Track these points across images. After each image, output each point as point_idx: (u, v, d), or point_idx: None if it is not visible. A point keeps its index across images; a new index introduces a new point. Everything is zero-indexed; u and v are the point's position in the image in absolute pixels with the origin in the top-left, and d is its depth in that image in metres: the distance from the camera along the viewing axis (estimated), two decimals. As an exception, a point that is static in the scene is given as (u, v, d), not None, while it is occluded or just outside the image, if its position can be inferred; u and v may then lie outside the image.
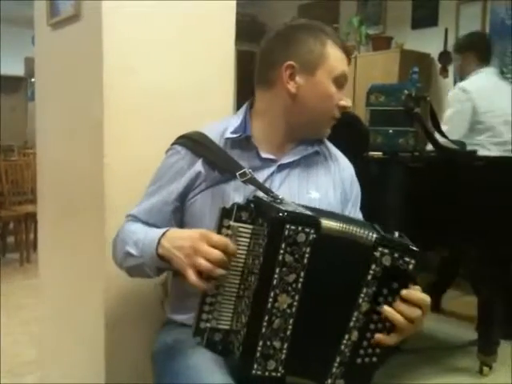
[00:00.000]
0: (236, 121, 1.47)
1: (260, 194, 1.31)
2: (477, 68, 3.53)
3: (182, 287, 1.42)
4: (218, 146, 1.43)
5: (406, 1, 5.57)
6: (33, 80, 2.38)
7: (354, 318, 1.17)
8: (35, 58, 2.29)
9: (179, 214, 1.44)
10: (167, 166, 1.46)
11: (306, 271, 1.12)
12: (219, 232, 1.16)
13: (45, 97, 2.23)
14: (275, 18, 6.61)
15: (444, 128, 2.96)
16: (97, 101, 1.73)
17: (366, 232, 1.16)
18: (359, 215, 1.53)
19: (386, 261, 1.15)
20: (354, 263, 1.16)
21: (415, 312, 1.16)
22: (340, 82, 1.42)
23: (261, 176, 1.40)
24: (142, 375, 1.71)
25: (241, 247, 1.17)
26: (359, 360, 1.19)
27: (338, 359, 1.19)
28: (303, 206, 1.22)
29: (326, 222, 1.14)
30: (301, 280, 1.13)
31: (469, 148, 3.05)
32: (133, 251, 1.36)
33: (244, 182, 1.35)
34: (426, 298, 1.18)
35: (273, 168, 1.44)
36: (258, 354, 1.14)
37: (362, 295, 1.16)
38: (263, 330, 1.13)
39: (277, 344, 1.15)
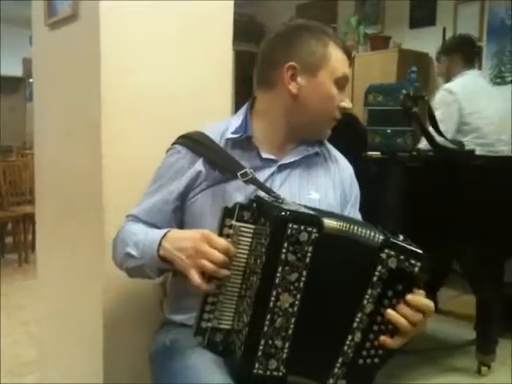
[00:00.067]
0: (236, 121, 1.47)
1: (261, 193, 1.31)
2: (462, 70, 3.60)
3: (182, 287, 1.42)
4: (218, 145, 1.44)
5: (403, 0, 5.57)
6: (31, 80, 2.38)
7: (357, 319, 1.18)
8: (33, 59, 2.28)
9: (179, 214, 1.44)
10: (168, 166, 1.46)
11: (308, 270, 1.13)
12: (221, 231, 1.17)
13: (43, 97, 2.23)
14: (273, 18, 6.61)
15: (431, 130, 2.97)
16: (94, 101, 1.73)
17: (372, 233, 1.17)
18: (358, 216, 1.54)
19: (392, 263, 1.16)
20: (358, 264, 1.16)
21: (418, 316, 1.17)
22: (341, 83, 1.43)
23: (261, 176, 1.40)
24: (140, 375, 1.70)
25: (242, 247, 1.17)
26: (361, 361, 1.19)
27: (340, 360, 1.19)
28: (305, 206, 1.22)
29: (329, 222, 1.14)
30: (303, 279, 1.13)
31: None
32: (133, 252, 1.36)
33: (245, 181, 1.36)
34: (430, 304, 1.19)
35: (273, 168, 1.44)
36: (260, 353, 1.14)
37: (367, 296, 1.17)
38: (265, 328, 1.14)
39: (278, 343, 1.15)
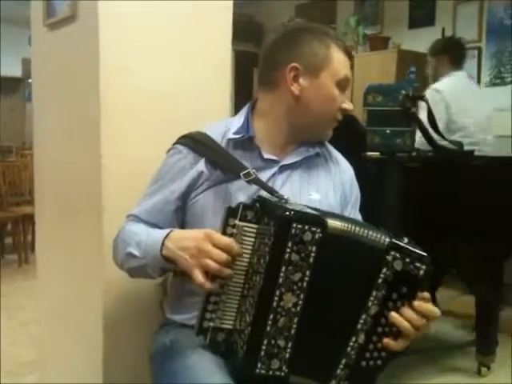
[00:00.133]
0: (238, 121, 1.47)
1: (263, 193, 1.32)
2: (449, 71, 3.70)
3: (182, 287, 1.43)
4: (220, 146, 1.44)
5: (403, 1, 5.57)
6: (30, 81, 2.38)
7: (361, 321, 1.18)
8: (32, 59, 2.28)
9: (181, 214, 1.44)
10: (169, 166, 1.46)
11: (312, 270, 1.13)
12: (224, 231, 1.17)
13: (42, 97, 2.23)
14: (272, 18, 6.60)
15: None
16: (94, 101, 1.73)
17: (377, 235, 1.17)
18: (358, 217, 1.54)
19: (398, 265, 1.16)
20: (362, 264, 1.17)
21: (422, 321, 1.17)
22: (343, 85, 1.44)
23: (263, 176, 1.40)
24: (139, 376, 1.70)
25: (246, 246, 1.17)
26: (364, 363, 1.19)
27: (343, 361, 1.19)
28: (308, 207, 1.23)
29: (332, 222, 1.14)
30: (306, 279, 1.13)
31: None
32: (135, 252, 1.36)
33: (248, 181, 1.36)
34: (435, 311, 1.19)
35: (275, 169, 1.44)
36: (263, 353, 1.14)
37: (372, 298, 1.17)
38: (268, 328, 1.14)
39: (281, 343, 1.15)
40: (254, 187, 1.37)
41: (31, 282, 2.58)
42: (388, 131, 2.58)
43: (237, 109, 1.54)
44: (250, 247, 1.18)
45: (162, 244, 1.28)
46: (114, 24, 1.71)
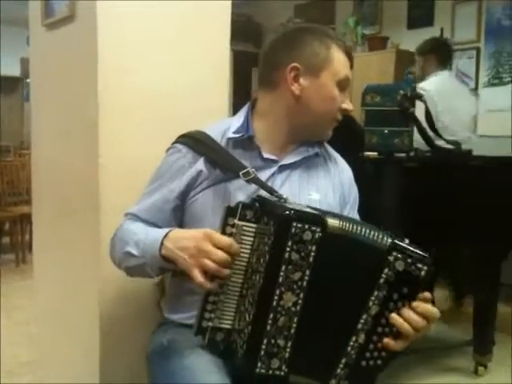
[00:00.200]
0: (238, 121, 1.47)
1: (263, 193, 1.32)
2: (436, 70, 3.79)
3: (181, 286, 1.42)
4: (219, 145, 1.44)
5: (401, 1, 5.57)
6: (28, 80, 2.38)
7: (362, 321, 1.18)
8: (30, 59, 2.28)
9: (180, 213, 1.44)
10: (168, 165, 1.46)
11: (312, 269, 1.13)
12: (223, 230, 1.17)
13: (40, 97, 2.23)
14: (271, 19, 6.61)
15: None
16: (92, 101, 1.73)
17: (379, 235, 1.18)
18: (357, 218, 1.54)
19: (400, 266, 1.16)
20: (362, 264, 1.17)
21: (422, 323, 1.17)
22: (343, 85, 1.44)
23: (262, 176, 1.41)
24: (136, 376, 1.70)
25: (245, 246, 1.18)
26: (364, 362, 1.20)
27: (343, 360, 1.19)
28: (308, 206, 1.23)
29: (332, 221, 1.15)
30: (306, 278, 1.13)
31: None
32: (134, 251, 1.35)
33: (247, 181, 1.36)
34: (435, 312, 1.19)
35: (274, 168, 1.44)
36: (262, 352, 1.14)
37: (373, 298, 1.17)
38: (268, 327, 1.14)
39: (281, 342, 1.15)
40: (254, 187, 1.37)
41: (28, 281, 2.58)
42: (386, 131, 2.59)
43: (235, 109, 1.55)
44: (249, 247, 1.18)
45: (161, 244, 1.28)
46: (112, 24, 1.71)
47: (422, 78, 3.83)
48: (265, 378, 1.16)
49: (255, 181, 1.36)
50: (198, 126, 1.50)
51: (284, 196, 1.29)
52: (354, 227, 1.17)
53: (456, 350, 3.29)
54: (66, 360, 2.10)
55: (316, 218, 1.14)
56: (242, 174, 1.36)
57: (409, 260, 1.16)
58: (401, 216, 2.41)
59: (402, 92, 2.57)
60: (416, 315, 1.17)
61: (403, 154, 2.62)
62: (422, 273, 1.16)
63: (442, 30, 5.13)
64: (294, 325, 1.15)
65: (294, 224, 1.10)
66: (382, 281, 1.17)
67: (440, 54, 3.86)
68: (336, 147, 1.59)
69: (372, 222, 1.25)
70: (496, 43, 4.83)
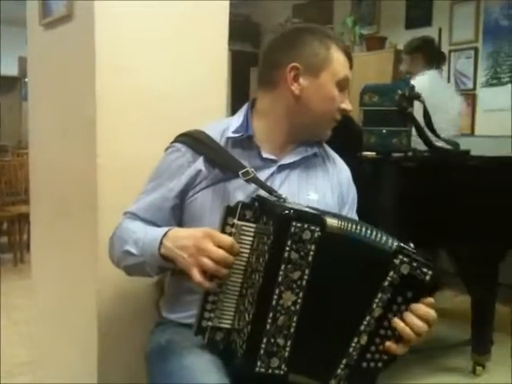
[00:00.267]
0: (237, 120, 1.47)
1: (262, 193, 1.32)
2: (423, 69, 3.83)
3: (181, 285, 1.42)
4: (219, 144, 1.44)
5: (399, 1, 5.57)
6: (26, 80, 2.37)
7: (365, 322, 1.18)
8: (28, 58, 2.28)
9: (179, 212, 1.44)
10: (167, 163, 1.46)
11: (311, 269, 1.13)
12: (223, 230, 1.17)
13: (37, 96, 2.23)
14: (269, 18, 6.61)
15: None
16: (90, 100, 1.73)
17: (383, 237, 1.18)
18: (355, 218, 1.54)
19: (405, 269, 1.17)
20: (365, 265, 1.17)
21: (423, 327, 1.18)
22: (342, 85, 1.44)
23: (262, 176, 1.40)
24: (135, 376, 1.70)
25: (244, 245, 1.18)
26: (365, 364, 1.20)
27: (344, 361, 1.19)
28: (307, 206, 1.23)
29: (331, 221, 1.15)
30: (305, 277, 1.14)
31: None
32: (133, 250, 1.35)
33: (247, 180, 1.36)
34: (431, 312, 1.20)
35: (273, 168, 1.44)
36: (262, 352, 1.14)
37: (377, 300, 1.17)
38: (267, 326, 1.14)
39: (280, 341, 1.15)
40: (253, 186, 1.37)
41: (26, 281, 2.57)
42: (384, 131, 2.59)
43: (233, 108, 1.54)
44: (248, 246, 1.18)
45: (160, 243, 1.28)
46: (110, 23, 1.71)
47: (409, 77, 3.85)
48: (264, 377, 1.16)
49: (254, 180, 1.36)
50: (195, 126, 1.49)
51: (283, 196, 1.29)
52: (354, 227, 1.17)
53: (454, 349, 3.29)
54: (63, 360, 2.09)
55: (315, 218, 1.14)
56: (242, 173, 1.36)
57: (414, 264, 1.17)
58: (399, 216, 2.41)
59: (399, 92, 2.57)
60: (418, 320, 1.18)
61: (401, 154, 2.62)
62: (427, 277, 1.17)
63: (440, 30, 5.14)
64: (294, 324, 1.15)
65: (294, 223, 1.11)
66: (386, 283, 1.17)
67: (427, 53, 3.89)
68: (334, 147, 1.59)
69: (370, 221, 1.25)
70: (494, 43, 4.83)
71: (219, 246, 1.15)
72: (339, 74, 1.43)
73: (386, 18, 5.79)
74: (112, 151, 1.74)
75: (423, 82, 3.66)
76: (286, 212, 1.12)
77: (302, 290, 1.14)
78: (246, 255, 1.18)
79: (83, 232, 1.86)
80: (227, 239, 1.16)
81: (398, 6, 5.59)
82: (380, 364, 1.20)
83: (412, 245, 1.21)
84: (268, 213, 1.17)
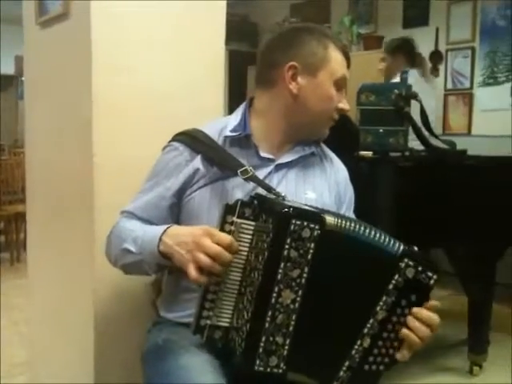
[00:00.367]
0: (235, 119, 1.47)
1: (260, 191, 1.32)
2: (404, 69, 3.84)
3: (178, 284, 1.42)
4: (216, 143, 1.44)
5: (397, 0, 5.58)
6: (23, 78, 2.37)
7: (368, 325, 1.18)
8: (24, 57, 2.28)
9: (176, 211, 1.44)
10: (164, 162, 1.46)
11: (310, 267, 1.13)
12: (222, 228, 1.17)
13: (34, 95, 2.22)
14: (266, 18, 6.61)
15: None
16: (86, 100, 1.73)
17: (386, 238, 1.18)
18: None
19: (410, 273, 1.17)
20: (366, 264, 1.17)
21: (426, 332, 1.19)
22: (340, 84, 1.44)
23: (259, 174, 1.40)
24: (131, 375, 1.70)
25: (243, 243, 1.18)
26: (367, 367, 1.20)
27: (346, 363, 1.19)
28: (306, 205, 1.24)
29: (331, 219, 1.15)
30: (305, 275, 1.13)
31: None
32: (132, 248, 1.35)
33: (245, 179, 1.36)
34: (434, 317, 1.20)
35: (271, 167, 1.44)
36: (261, 350, 1.14)
37: (381, 303, 1.18)
38: (266, 325, 1.14)
39: (279, 340, 1.15)
40: (251, 185, 1.37)
41: (23, 280, 2.57)
42: (381, 130, 2.59)
43: (230, 108, 1.54)
44: (247, 244, 1.18)
45: (160, 240, 1.28)
46: (106, 23, 1.71)
47: (389, 78, 3.90)
48: (263, 376, 1.16)
49: (253, 179, 1.36)
50: (192, 125, 1.49)
51: (282, 194, 1.29)
52: (353, 226, 1.17)
53: (451, 349, 3.29)
54: (60, 360, 2.09)
55: (315, 216, 1.14)
56: (240, 172, 1.36)
57: (419, 268, 1.17)
58: (396, 215, 2.41)
59: (396, 91, 2.57)
60: (421, 324, 1.18)
61: (398, 154, 2.62)
62: (431, 281, 1.17)
63: (437, 29, 5.14)
64: (293, 322, 1.15)
65: (293, 221, 1.11)
66: (391, 287, 1.17)
67: (407, 53, 3.93)
68: (331, 146, 1.59)
69: (367, 221, 1.25)
70: (491, 43, 4.84)
71: (218, 244, 1.15)
72: (337, 73, 1.43)
73: (384, 17, 5.79)
74: (108, 150, 1.74)
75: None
76: (286, 210, 1.12)
77: (302, 288, 1.14)
78: (245, 253, 1.18)
79: (80, 231, 1.85)
80: (226, 237, 1.15)
81: (396, 6, 5.59)
82: (382, 367, 1.21)
83: (416, 248, 1.21)
84: (267, 211, 1.16)
